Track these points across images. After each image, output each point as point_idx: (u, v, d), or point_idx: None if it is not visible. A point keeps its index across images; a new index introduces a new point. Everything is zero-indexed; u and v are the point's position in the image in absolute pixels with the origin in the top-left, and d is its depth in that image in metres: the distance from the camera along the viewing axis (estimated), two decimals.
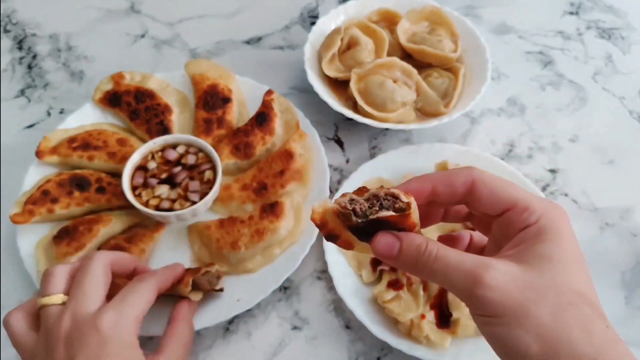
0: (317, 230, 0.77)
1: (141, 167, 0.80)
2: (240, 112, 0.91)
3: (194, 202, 0.77)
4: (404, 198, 0.39)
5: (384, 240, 0.40)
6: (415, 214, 0.40)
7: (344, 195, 0.41)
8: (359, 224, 0.39)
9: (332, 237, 0.42)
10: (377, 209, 0.39)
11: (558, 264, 0.38)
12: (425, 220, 0.44)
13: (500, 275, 0.37)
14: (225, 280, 0.74)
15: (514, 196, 0.41)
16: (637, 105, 0.99)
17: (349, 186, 0.83)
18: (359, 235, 0.41)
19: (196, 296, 0.70)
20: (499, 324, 0.37)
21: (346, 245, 0.43)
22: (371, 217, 0.39)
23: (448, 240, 0.49)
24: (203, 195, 0.77)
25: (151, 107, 0.87)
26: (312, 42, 0.96)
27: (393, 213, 0.38)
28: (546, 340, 0.35)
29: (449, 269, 0.38)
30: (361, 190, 0.41)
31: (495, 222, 0.42)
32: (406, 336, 0.68)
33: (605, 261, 0.80)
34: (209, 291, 0.71)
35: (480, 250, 0.49)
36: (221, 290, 0.73)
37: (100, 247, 0.76)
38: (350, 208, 0.40)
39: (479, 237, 0.49)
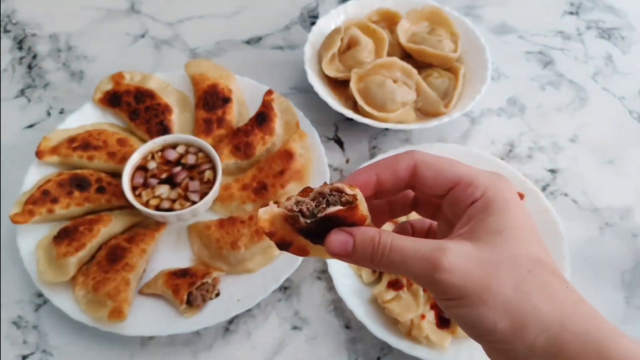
0: None
1: (141, 167, 0.80)
2: (240, 112, 0.91)
3: (194, 202, 0.77)
4: (349, 191, 0.39)
5: (336, 238, 0.39)
6: (363, 206, 0.39)
7: (288, 198, 0.39)
8: (309, 224, 0.38)
9: (283, 245, 0.41)
10: (324, 206, 0.38)
11: (509, 235, 0.38)
12: (374, 219, 0.42)
13: (457, 257, 0.36)
14: (224, 280, 0.74)
15: (458, 172, 0.41)
16: (637, 105, 0.99)
17: None
18: (312, 238, 0.40)
19: (191, 313, 0.71)
20: (463, 306, 0.36)
21: (300, 252, 0.42)
22: (319, 215, 0.38)
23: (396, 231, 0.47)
24: (203, 195, 0.77)
25: (151, 107, 0.87)
26: (312, 42, 0.96)
27: (340, 207, 0.38)
28: (512, 314, 0.36)
29: (406, 258, 0.37)
30: (306, 191, 0.40)
31: (444, 203, 0.42)
32: (406, 336, 0.68)
33: (605, 261, 0.80)
34: (203, 305, 0.71)
35: (426, 236, 0.47)
36: (217, 295, 0.73)
37: (100, 248, 0.76)
38: (297, 210, 0.39)
39: (420, 225, 0.48)
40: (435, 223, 0.47)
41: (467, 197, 0.40)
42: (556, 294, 0.36)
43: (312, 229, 0.39)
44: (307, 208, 0.39)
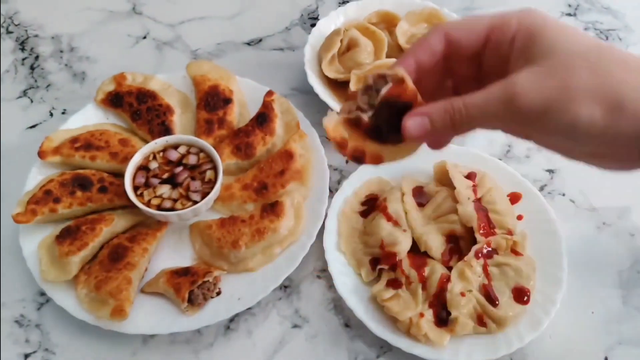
0: (317, 230, 0.77)
1: (143, 167, 0.81)
2: (241, 112, 0.92)
3: (195, 202, 0.77)
4: (390, 72, 0.40)
5: (412, 122, 0.40)
6: (409, 80, 0.40)
7: (343, 105, 0.41)
8: (372, 119, 0.40)
9: (357, 157, 0.41)
10: (376, 94, 0.40)
11: (563, 39, 0.38)
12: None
13: (526, 80, 0.37)
14: (225, 279, 0.75)
15: (486, 20, 0.42)
16: None
17: (349, 186, 0.83)
18: (379, 139, 0.41)
19: (192, 312, 0.71)
20: (552, 117, 0.36)
21: (375, 160, 0.42)
22: (376, 102, 0.40)
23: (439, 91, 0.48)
24: (204, 195, 0.78)
25: (153, 108, 0.88)
26: (312, 43, 0.97)
27: (390, 84, 0.39)
28: (601, 96, 0.35)
29: (483, 108, 0.38)
30: (353, 94, 0.41)
31: (486, 60, 0.43)
32: (405, 334, 0.69)
33: (602, 261, 0.80)
34: (204, 304, 0.72)
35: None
36: (218, 294, 0.73)
37: (102, 247, 0.76)
38: (355, 110, 0.40)
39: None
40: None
41: (505, 37, 0.40)
42: (634, 63, 0.36)
43: (377, 126, 0.40)
44: (363, 102, 0.40)
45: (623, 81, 0.35)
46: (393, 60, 0.91)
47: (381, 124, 0.40)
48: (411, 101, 0.41)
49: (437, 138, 0.42)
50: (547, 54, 0.38)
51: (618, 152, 0.38)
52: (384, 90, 0.40)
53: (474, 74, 0.45)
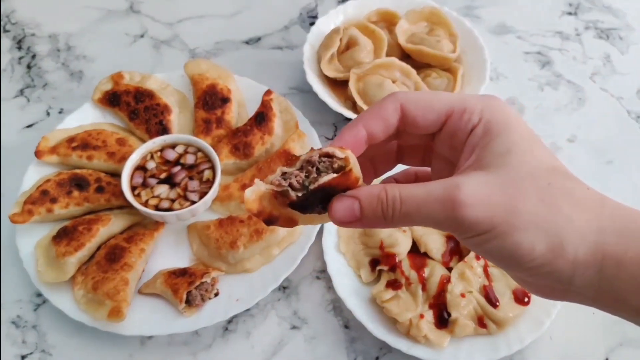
0: (316, 230, 0.77)
1: (140, 167, 0.80)
2: (239, 112, 0.91)
3: (193, 202, 0.77)
4: (339, 154, 0.35)
5: (341, 205, 0.36)
6: (356, 168, 0.36)
7: (273, 171, 0.36)
8: (300, 198, 0.35)
9: (270, 221, 0.37)
10: (316, 175, 0.35)
11: (519, 152, 0.35)
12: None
13: (473, 188, 0.34)
14: (223, 280, 0.75)
15: (447, 102, 0.38)
16: (636, 105, 0.99)
17: None
18: (300, 209, 0.37)
19: (190, 313, 0.71)
20: (494, 238, 0.34)
21: (288, 223, 0.38)
22: (312, 187, 0.35)
23: (399, 181, 0.44)
24: (202, 195, 0.77)
25: (150, 107, 0.87)
26: (311, 42, 0.96)
27: (334, 175, 0.34)
28: (547, 231, 0.33)
29: (420, 205, 0.35)
30: (292, 160, 0.36)
31: (438, 141, 0.39)
32: (405, 336, 0.69)
33: None
34: (202, 305, 0.72)
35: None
36: (216, 295, 0.73)
37: (99, 247, 0.76)
38: (286, 185, 0.35)
39: (404, 177, 0.45)
40: (424, 169, 0.44)
41: (464, 126, 0.37)
42: (582, 199, 0.34)
43: (302, 201, 0.36)
44: (297, 181, 0.36)
45: (568, 219, 0.33)
46: (393, 59, 0.90)
47: (309, 200, 0.36)
48: (350, 187, 0.36)
49: (367, 226, 0.37)
50: (501, 163, 0.35)
51: (548, 286, 0.36)
52: (325, 179, 0.35)
53: (422, 148, 0.42)
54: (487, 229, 0.34)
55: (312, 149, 0.36)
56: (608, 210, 0.34)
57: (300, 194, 0.35)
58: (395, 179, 0.44)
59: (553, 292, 0.37)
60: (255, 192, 0.36)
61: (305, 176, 0.35)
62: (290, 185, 0.35)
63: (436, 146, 0.40)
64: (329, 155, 0.36)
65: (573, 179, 0.35)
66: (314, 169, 0.36)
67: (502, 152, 0.35)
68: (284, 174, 0.36)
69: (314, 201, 0.37)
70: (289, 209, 0.37)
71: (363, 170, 0.38)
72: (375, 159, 0.43)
